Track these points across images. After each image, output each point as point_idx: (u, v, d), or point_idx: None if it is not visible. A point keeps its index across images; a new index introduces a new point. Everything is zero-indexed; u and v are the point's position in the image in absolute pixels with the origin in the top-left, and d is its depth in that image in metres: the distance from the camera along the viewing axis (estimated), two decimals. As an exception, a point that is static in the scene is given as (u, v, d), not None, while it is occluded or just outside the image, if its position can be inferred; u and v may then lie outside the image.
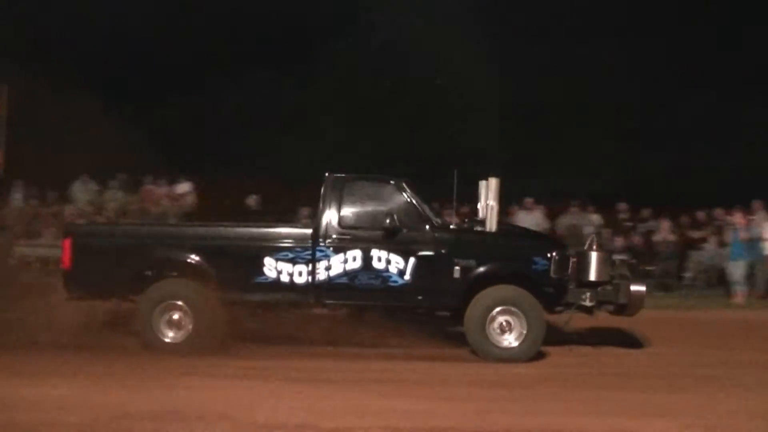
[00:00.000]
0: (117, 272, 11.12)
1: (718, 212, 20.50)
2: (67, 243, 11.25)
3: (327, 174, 11.43)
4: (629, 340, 12.75)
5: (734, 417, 8.03)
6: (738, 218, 18.86)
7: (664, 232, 20.18)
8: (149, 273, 11.14)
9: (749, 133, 31.58)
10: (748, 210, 19.16)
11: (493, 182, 11.48)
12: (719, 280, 19.61)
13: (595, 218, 20.25)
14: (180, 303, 10.93)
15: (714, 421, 7.84)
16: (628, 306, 11.41)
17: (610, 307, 11.54)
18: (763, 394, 9.29)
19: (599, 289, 11.39)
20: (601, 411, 8.24)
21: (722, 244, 19.63)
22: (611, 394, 9.09)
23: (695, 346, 12.63)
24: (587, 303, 11.30)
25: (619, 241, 19.52)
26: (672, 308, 16.76)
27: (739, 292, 18.33)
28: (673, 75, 32.50)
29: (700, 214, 21.03)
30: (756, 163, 29.64)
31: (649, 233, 20.50)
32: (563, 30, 32.04)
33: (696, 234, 20.62)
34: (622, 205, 21.05)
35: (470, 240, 11.47)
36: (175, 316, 10.97)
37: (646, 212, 21.13)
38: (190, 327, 10.91)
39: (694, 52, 31.80)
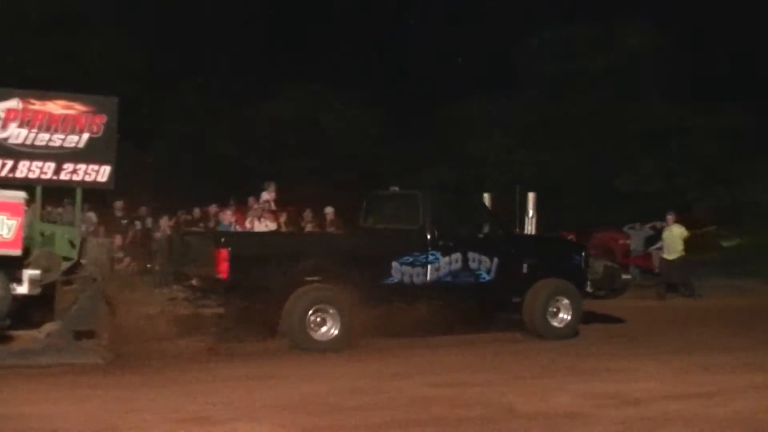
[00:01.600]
0: (270, 279, 12.25)
1: (212, 208, 20.88)
2: (224, 253, 12.01)
3: (422, 190, 13.55)
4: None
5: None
6: (228, 215, 19.56)
7: (162, 228, 19.89)
8: (299, 279, 12.36)
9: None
10: (244, 206, 19.81)
11: (531, 196, 14.41)
12: None
13: (91, 216, 19.78)
14: (329, 306, 12.32)
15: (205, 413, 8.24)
16: (618, 291, 15.04)
17: (601, 293, 14.98)
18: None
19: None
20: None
21: None
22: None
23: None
24: (589, 289, 14.68)
25: (117, 239, 18.95)
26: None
27: None
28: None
29: (197, 211, 21.42)
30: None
31: (147, 230, 20.72)
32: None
33: (194, 229, 19.65)
34: (119, 203, 20.54)
35: (532, 242, 14.35)
36: (320, 318, 12.34)
37: (143, 209, 21.25)
38: (338, 327, 12.34)
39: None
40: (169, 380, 9.93)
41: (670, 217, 19.97)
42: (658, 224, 22.45)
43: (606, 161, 33.78)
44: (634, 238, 23.98)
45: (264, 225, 17.82)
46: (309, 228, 19.52)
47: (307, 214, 20.40)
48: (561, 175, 33.30)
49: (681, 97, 33.78)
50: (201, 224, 20.39)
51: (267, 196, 19.21)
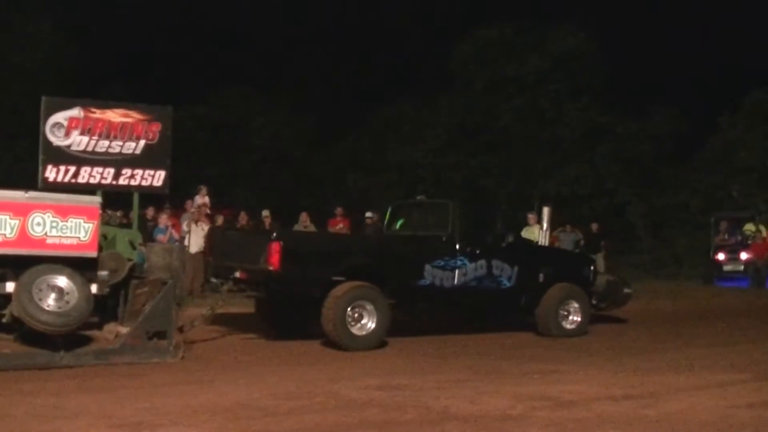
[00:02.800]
0: (316, 274, 12.96)
1: (149, 211, 20.01)
2: (277, 246, 12.62)
3: (452, 200, 14.38)
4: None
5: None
6: (164, 218, 19.00)
7: None
8: (339, 277, 13.02)
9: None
10: (180, 210, 20.01)
11: (546, 210, 15.40)
12: None
13: None
14: (367, 302, 12.94)
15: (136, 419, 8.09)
16: (619, 303, 16.10)
17: (603, 305, 15.97)
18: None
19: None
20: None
21: None
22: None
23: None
24: (593, 301, 15.68)
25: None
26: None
27: None
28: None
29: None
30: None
31: None
32: None
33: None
34: None
35: (547, 253, 15.36)
36: (357, 314, 12.93)
37: None
38: (374, 322, 12.94)
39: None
40: (101, 385, 9.78)
41: (531, 216, 20.46)
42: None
43: (537, 164, 34.29)
44: (564, 241, 23.94)
45: (201, 228, 18.23)
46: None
47: (243, 216, 20.84)
48: (491, 178, 33.71)
49: (612, 100, 34.30)
50: (137, 227, 20.61)
51: (200, 200, 19.86)
